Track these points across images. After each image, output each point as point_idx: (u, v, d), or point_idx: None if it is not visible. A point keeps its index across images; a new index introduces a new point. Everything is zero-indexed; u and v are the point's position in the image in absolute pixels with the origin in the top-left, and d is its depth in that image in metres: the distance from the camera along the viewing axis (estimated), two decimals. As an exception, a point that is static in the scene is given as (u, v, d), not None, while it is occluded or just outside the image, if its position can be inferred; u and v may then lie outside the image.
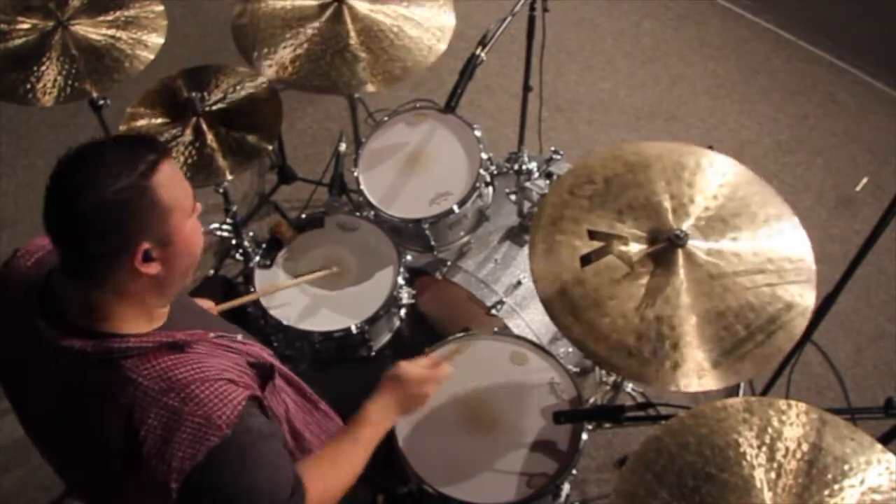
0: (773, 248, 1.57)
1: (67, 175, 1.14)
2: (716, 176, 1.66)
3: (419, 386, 1.52)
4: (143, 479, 1.15)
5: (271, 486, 1.21)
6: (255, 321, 1.99)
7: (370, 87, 2.04)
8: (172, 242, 1.19)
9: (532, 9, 2.14)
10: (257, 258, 2.04)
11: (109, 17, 2.12)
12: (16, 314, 1.25)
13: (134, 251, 1.15)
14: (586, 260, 1.54)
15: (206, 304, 1.75)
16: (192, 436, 1.13)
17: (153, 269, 1.18)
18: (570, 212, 1.63)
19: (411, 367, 1.54)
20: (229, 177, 1.97)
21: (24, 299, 1.23)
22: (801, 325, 1.48)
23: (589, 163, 1.70)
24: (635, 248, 1.56)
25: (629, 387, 2.33)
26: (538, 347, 1.83)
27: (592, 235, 1.58)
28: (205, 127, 2.01)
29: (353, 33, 2.07)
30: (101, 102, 2.20)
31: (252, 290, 1.97)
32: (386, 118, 2.28)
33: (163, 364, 1.18)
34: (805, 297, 1.51)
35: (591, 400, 2.27)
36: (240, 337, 1.34)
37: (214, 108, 2.06)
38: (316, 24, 2.09)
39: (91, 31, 2.09)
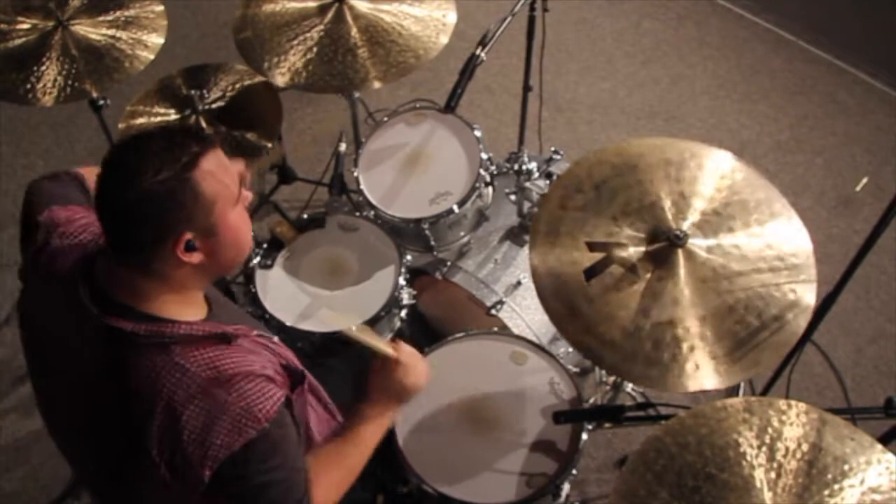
0: (771, 244, 1.57)
1: (116, 164, 1.17)
2: (701, 169, 1.65)
3: (396, 379, 1.48)
4: (177, 462, 1.17)
5: (291, 485, 1.24)
6: (256, 322, 1.99)
7: (381, 82, 2.03)
8: (217, 233, 1.21)
9: (532, 9, 2.14)
10: (257, 258, 2.04)
11: (109, 17, 2.12)
12: (57, 292, 1.26)
13: (176, 241, 1.17)
14: (590, 273, 1.53)
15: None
16: (232, 426, 1.16)
17: (195, 258, 1.20)
18: (566, 226, 1.61)
19: (380, 366, 1.50)
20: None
21: (67, 277, 1.25)
22: (801, 324, 1.48)
23: (575, 171, 1.68)
24: (636, 254, 1.55)
25: (629, 387, 2.33)
26: (538, 347, 1.83)
27: (592, 247, 1.56)
28: (204, 124, 2.01)
29: (355, 31, 2.06)
30: (101, 102, 2.20)
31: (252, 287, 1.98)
32: (386, 118, 2.28)
33: (210, 353, 1.20)
34: (805, 297, 1.51)
35: (591, 400, 2.27)
36: (276, 339, 1.37)
37: (214, 105, 2.06)
38: (321, 26, 2.08)
39: (91, 31, 2.09)
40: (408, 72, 2.03)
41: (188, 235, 1.18)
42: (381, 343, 1.51)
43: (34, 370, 1.34)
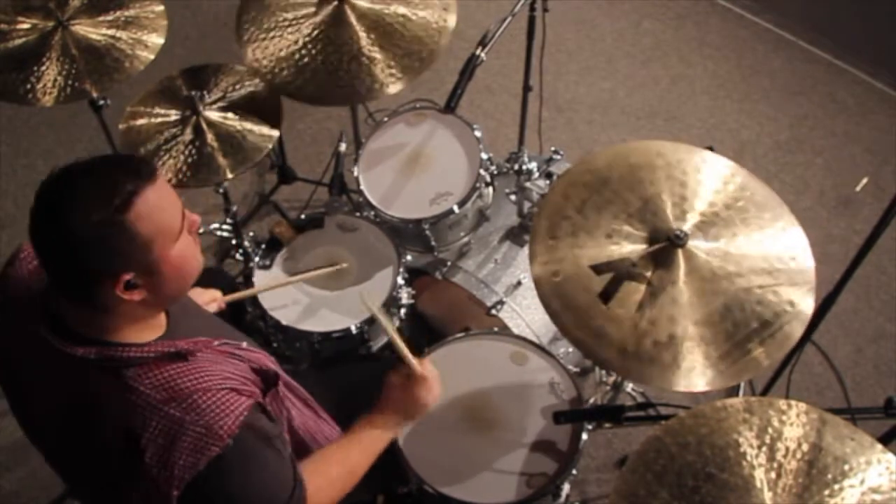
0: (770, 243, 1.56)
1: (48, 201, 1.12)
2: (672, 168, 1.64)
3: (405, 393, 1.52)
4: (144, 486, 1.15)
5: (269, 491, 1.23)
6: (255, 322, 1.99)
7: (395, 88, 2.01)
8: (157, 270, 1.17)
9: (532, 9, 2.14)
10: (257, 258, 2.04)
11: (109, 17, 2.12)
12: (18, 318, 1.25)
13: (115, 281, 1.13)
14: (606, 297, 1.51)
15: (212, 293, 1.75)
16: (193, 445, 1.14)
17: (137, 295, 1.16)
18: (562, 255, 1.58)
19: (395, 377, 1.54)
20: (229, 176, 1.97)
21: (26, 304, 1.23)
22: (801, 324, 1.48)
23: (553, 199, 1.65)
24: (643, 263, 1.53)
25: (629, 387, 2.33)
26: (538, 347, 1.83)
27: (598, 270, 1.54)
28: (204, 126, 2.01)
29: (361, 33, 2.06)
30: (101, 102, 2.20)
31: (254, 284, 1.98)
32: (386, 118, 2.28)
33: (165, 373, 1.18)
34: (805, 297, 1.51)
35: (591, 400, 2.27)
36: (244, 344, 1.34)
37: (214, 106, 2.06)
38: (322, 32, 2.06)
39: (91, 31, 2.09)
40: (417, 74, 2.01)
41: (126, 276, 1.13)
42: (408, 353, 1.54)
43: (7, 393, 1.33)
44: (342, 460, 1.44)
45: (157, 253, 1.15)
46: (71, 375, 1.18)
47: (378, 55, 2.03)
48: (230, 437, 1.15)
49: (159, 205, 1.15)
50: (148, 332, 1.23)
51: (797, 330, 1.48)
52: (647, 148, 1.68)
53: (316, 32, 2.06)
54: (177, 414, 1.14)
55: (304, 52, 2.06)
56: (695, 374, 1.45)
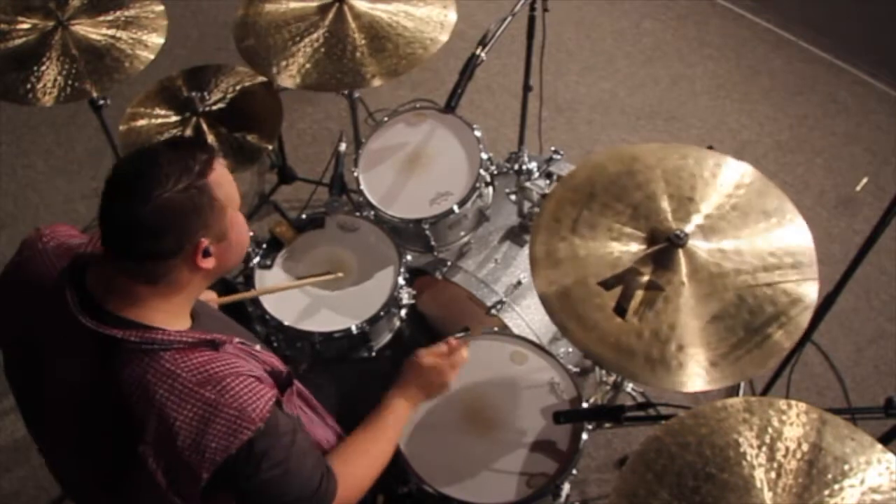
0: (772, 241, 1.56)
1: (127, 181, 1.18)
2: (653, 170, 1.64)
3: (438, 374, 1.60)
4: (173, 469, 1.17)
5: (298, 478, 1.26)
6: (255, 321, 1.99)
7: (384, 78, 2.03)
8: (228, 237, 1.25)
9: (532, 9, 2.15)
10: (257, 258, 2.04)
11: (109, 17, 2.12)
12: (40, 300, 1.26)
13: (195, 248, 1.20)
14: (621, 311, 1.50)
15: (208, 294, 1.76)
16: (227, 428, 1.16)
17: (209, 263, 1.23)
18: (568, 277, 1.56)
19: (429, 356, 1.61)
20: (229, 177, 1.97)
21: (52, 285, 1.24)
22: (802, 323, 1.48)
23: (545, 222, 1.63)
24: (649, 270, 1.53)
25: (629, 387, 2.33)
26: (538, 347, 1.83)
27: (607, 286, 1.53)
28: (205, 127, 2.01)
29: (356, 32, 2.06)
30: (101, 102, 2.20)
31: (252, 288, 1.98)
32: (386, 118, 2.28)
33: (200, 359, 1.21)
34: (807, 295, 1.51)
35: (591, 400, 2.27)
36: (258, 347, 1.37)
37: (214, 107, 2.06)
38: (325, 26, 2.07)
39: (91, 31, 2.09)
40: (415, 64, 2.03)
41: (206, 242, 1.21)
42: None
43: (16, 383, 1.33)
44: (369, 447, 1.49)
45: (228, 219, 1.24)
46: (104, 356, 1.19)
47: (374, 49, 2.04)
48: (262, 420, 1.18)
49: (227, 174, 1.26)
50: (180, 321, 1.28)
51: (799, 329, 1.48)
52: (619, 154, 1.68)
53: (327, 35, 2.06)
54: (212, 396, 1.17)
55: (318, 52, 2.07)
56: (722, 369, 1.44)
